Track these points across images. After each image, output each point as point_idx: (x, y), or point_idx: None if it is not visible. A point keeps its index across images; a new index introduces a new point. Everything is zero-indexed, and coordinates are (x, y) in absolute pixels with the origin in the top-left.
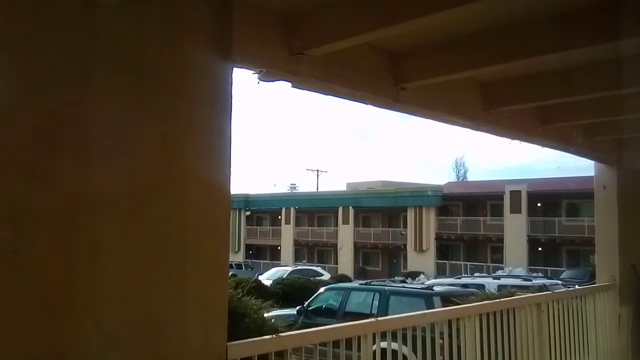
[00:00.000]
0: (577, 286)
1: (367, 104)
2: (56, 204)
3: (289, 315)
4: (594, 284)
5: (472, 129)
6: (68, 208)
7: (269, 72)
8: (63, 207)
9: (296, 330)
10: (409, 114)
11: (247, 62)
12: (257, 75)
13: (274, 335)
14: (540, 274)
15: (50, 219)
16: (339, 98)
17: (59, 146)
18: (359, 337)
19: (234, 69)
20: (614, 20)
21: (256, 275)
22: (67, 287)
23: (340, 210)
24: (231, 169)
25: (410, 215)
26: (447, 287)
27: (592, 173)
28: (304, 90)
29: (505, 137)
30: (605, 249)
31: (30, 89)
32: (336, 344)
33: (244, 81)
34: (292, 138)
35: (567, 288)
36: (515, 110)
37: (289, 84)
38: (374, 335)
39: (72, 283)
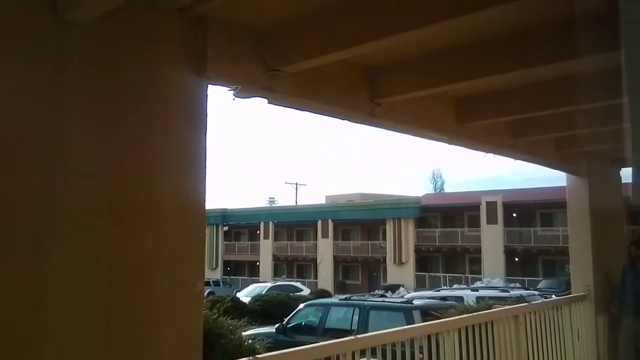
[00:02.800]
0: (553, 296)
1: (342, 119)
2: (24, 222)
3: (268, 334)
4: (570, 293)
5: (446, 143)
6: (37, 227)
7: (245, 88)
8: (31, 226)
9: (275, 351)
10: (384, 129)
11: (222, 79)
12: (232, 91)
13: (250, 358)
14: (517, 285)
15: (17, 239)
16: (315, 114)
17: (27, 164)
18: (337, 356)
19: (209, 85)
20: (572, 38)
21: (234, 292)
22: (35, 309)
23: (319, 223)
24: (206, 184)
25: (390, 227)
26: (427, 300)
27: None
28: (280, 107)
29: (479, 150)
30: (579, 259)
31: None
32: None
33: (221, 97)
34: (270, 152)
35: (544, 298)
36: (488, 124)
37: (265, 101)
38: (353, 353)
39: (40, 305)
